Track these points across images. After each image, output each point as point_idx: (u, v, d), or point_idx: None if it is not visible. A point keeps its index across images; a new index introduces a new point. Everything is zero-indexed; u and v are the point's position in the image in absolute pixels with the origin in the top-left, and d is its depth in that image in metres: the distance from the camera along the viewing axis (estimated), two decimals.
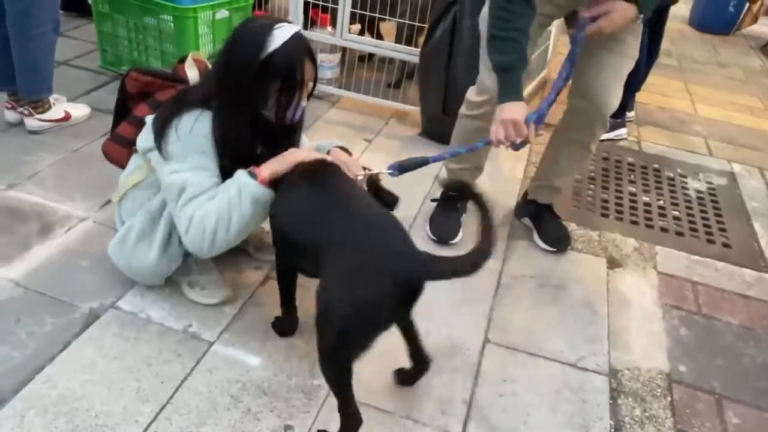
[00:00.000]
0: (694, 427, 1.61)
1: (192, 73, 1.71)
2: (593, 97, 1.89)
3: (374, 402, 1.55)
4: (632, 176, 2.83)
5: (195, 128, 1.51)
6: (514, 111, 1.65)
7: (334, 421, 1.49)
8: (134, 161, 1.72)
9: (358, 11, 2.96)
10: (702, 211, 2.63)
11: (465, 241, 2.18)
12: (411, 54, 2.92)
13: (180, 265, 1.74)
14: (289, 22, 1.52)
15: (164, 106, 1.60)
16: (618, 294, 2.06)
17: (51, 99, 2.51)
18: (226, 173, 1.55)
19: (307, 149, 1.70)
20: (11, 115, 2.53)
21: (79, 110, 2.63)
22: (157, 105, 1.66)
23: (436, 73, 2.75)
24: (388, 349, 1.70)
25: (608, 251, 2.27)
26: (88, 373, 1.53)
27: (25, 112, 2.47)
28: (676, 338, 1.90)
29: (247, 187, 1.49)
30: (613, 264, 2.20)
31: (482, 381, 1.66)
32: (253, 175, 1.51)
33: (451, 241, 2.18)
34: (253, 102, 1.53)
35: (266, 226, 1.80)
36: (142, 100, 1.71)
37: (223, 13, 2.94)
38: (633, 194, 2.69)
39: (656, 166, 2.99)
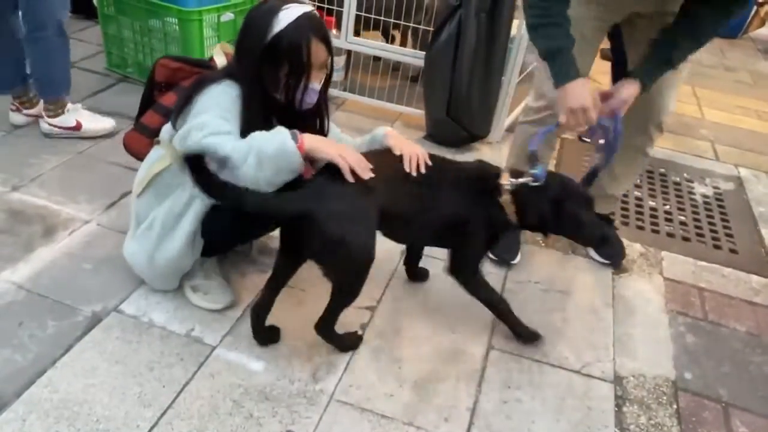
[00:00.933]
0: None
1: (220, 61, 1.69)
2: (650, 101, 1.86)
3: (377, 408, 1.54)
4: (638, 181, 2.81)
5: (221, 91, 1.47)
6: (579, 94, 1.63)
7: (337, 425, 1.48)
8: (155, 152, 1.67)
9: (372, 16, 2.95)
10: (708, 216, 2.61)
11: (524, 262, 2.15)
12: (417, 57, 2.91)
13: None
14: (301, 2, 1.48)
15: (187, 87, 1.56)
16: (623, 300, 2.04)
17: (67, 105, 2.49)
18: None
19: (354, 151, 1.49)
20: (17, 118, 2.53)
21: (99, 123, 2.57)
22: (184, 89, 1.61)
23: (441, 77, 2.74)
24: (391, 356, 1.70)
25: None
26: (90, 377, 1.52)
27: (42, 113, 2.49)
28: (682, 345, 1.88)
29: (285, 150, 1.36)
30: (618, 270, 2.18)
31: (486, 388, 1.65)
32: (295, 138, 1.39)
33: (511, 262, 2.12)
34: (263, 85, 1.50)
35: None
36: (169, 90, 1.69)
37: (228, 16, 2.94)
38: (639, 199, 2.67)
39: (662, 170, 2.97)
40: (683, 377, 1.76)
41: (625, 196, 2.66)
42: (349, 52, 3.19)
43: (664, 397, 1.69)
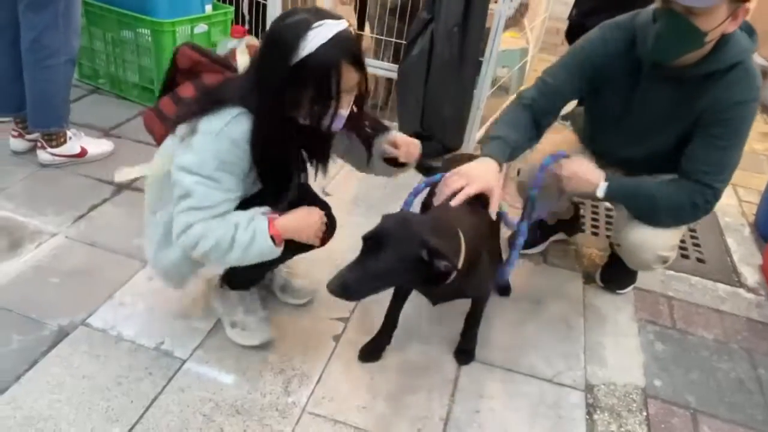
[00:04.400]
0: None
1: (243, 60, 1.60)
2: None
3: (349, 420, 1.53)
4: None
5: (224, 131, 1.32)
6: (484, 168, 1.64)
7: None
8: (170, 141, 1.49)
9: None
10: None
11: None
12: (392, 71, 2.93)
13: (226, 305, 1.71)
14: (335, 16, 1.30)
15: (197, 98, 1.44)
16: (594, 309, 2.07)
17: (68, 133, 2.40)
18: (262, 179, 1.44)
19: (317, 212, 1.49)
20: (18, 144, 2.43)
21: (101, 146, 2.51)
22: (202, 88, 1.49)
23: (414, 90, 2.76)
24: (364, 368, 1.70)
25: (585, 266, 2.28)
26: (55, 392, 1.49)
27: (38, 143, 2.37)
28: (651, 353, 1.91)
29: (259, 238, 1.37)
30: (589, 279, 2.21)
31: (459, 397, 1.65)
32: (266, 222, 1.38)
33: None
34: (287, 109, 1.35)
35: (294, 268, 1.84)
36: (189, 78, 1.55)
37: (201, 28, 2.93)
38: (609, 209, 2.72)
39: None
40: (653, 384, 1.79)
41: (595, 206, 2.71)
42: None
43: (634, 405, 1.71)
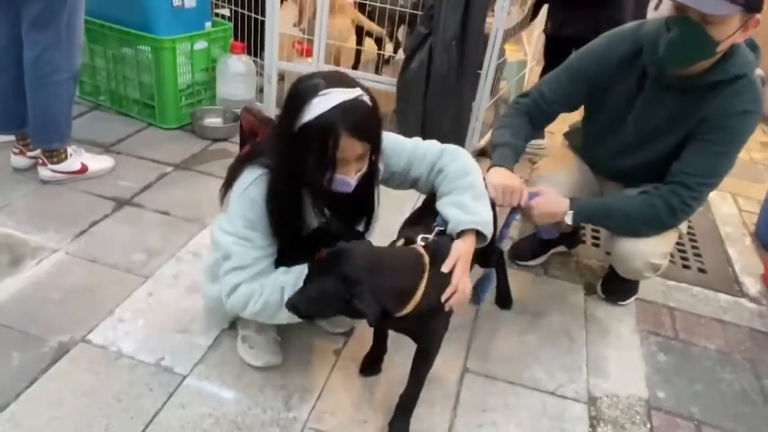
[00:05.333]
0: None
1: None
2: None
3: None
4: None
5: (248, 190, 1.40)
6: (503, 175, 1.78)
7: None
8: None
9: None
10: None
11: None
12: (389, 84, 2.95)
13: (242, 318, 1.67)
14: (349, 84, 1.31)
15: (241, 154, 1.53)
16: (596, 321, 2.06)
17: (69, 150, 2.40)
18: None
19: None
20: (19, 161, 2.43)
21: (101, 162, 2.51)
22: (254, 150, 1.51)
23: (413, 103, 2.79)
24: (365, 382, 1.69)
25: (585, 277, 2.28)
26: (55, 410, 1.48)
27: (39, 160, 2.38)
28: (654, 364, 1.90)
29: None
30: (590, 290, 2.21)
31: (461, 411, 1.64)
32: None
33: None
34: (294, 171, 1.37)
35: None
36: (251, 139, 1.61)
37: (201, 44, 2.95)
38: None
39: None
40: (656, 396, 1.78)
41: None
42: None
43: (638, 417, 1.70)
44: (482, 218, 1.45)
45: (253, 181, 1.41)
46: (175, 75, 2.85)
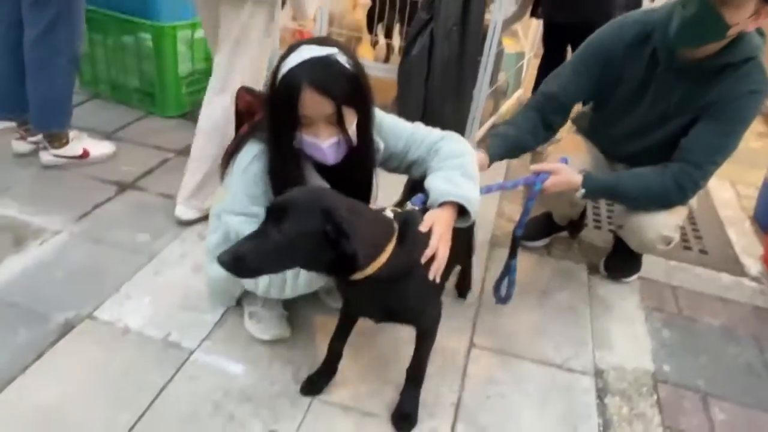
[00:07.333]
0: (681, 423, 1.61)
1: None
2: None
3: (361, 406, 1.52)
4: None
5: (249, 167, 1.41)
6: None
7: (321, 424, 1.46)
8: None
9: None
10: None
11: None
12: (390, 72, 2.96)
13: (248, 294, 1.69)
14: (326, 44, 1.31)
15: (233, 141, 1.52)
16: (599, 298, 2.07)
17: (70, 134, 2.39)
18: None
19: None
20: (21, 146, 2.42)
21: (102, 148, 2.50)
22: (253, 127, 1.51)
23: (415, 90, 2.79)
24: (373, 356, 1.69)
25: (588, 257, 2.29)
26: (62, 383, 1.47)
27: (40, 145, 2.37)
28: (659, 339, 1.91)
29: (307, 272, 1.43)
30: (593, 270, 2.22)
31: (469, 384, 1.64)
32: None
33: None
34: (280, 135, 1.36)
35: None
36: (248, 119, 1.57)
37: (202, 33, 2.94)
38: (610, 204, 2.73)
39: None
40: (662, 369, 1.78)
41: (597, 206, 2.72)
42: None
43: (644, 389, 1.70)
44: (467, 194, 1.40)
45: (253, 158, 1.41)
46: (175, 62, 2.85)
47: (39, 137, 2.37)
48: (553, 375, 1.71)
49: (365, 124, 1.40)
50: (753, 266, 2.39)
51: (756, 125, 4.09)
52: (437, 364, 1.68)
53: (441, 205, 1.39)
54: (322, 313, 1.82)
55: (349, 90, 1.32)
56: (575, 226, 2.39)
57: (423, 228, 1.32)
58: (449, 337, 1.79)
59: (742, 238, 2.60)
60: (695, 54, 1.69)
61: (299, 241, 1.10)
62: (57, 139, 2.35)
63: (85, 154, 2.43)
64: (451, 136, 1.56)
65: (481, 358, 1.74)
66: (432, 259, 1.31)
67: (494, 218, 2.48)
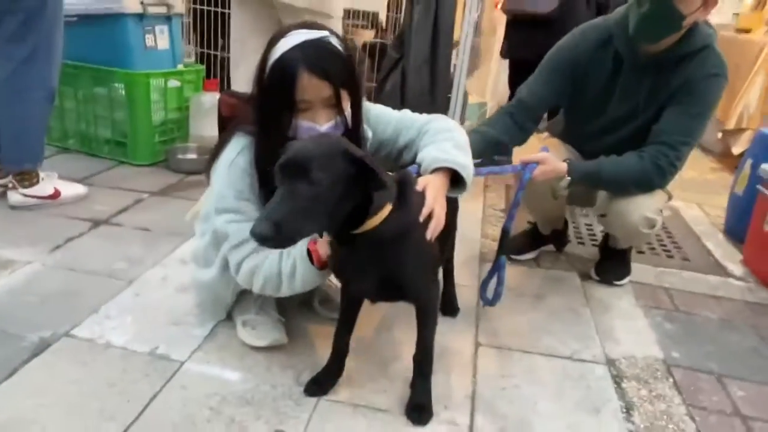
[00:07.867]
0: (702, 401, 1.55)
1: None
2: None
3: (371, 403, 1.41)
4: (584, 210, 2.91)
5: (235, 161, 1.38)
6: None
7: (329, 423, 1.34)
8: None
9: None
10: (656, 235, 2.71)
11: None
12: None
13: (240, 302, 1.61)
14: (316, 28, 1.31)
15: (224, 133, 1.48)
16: (596, 300, 2.04)
17: (41, 174, 2.29)
18: None
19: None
20: None
21: (74, 189, 2.41)
22: (237, 123, 1.48)
23: None
24: (378, 356, 1.60)
25: (578, 267, 2.28)
26: (39, 397, 1.32)
27: (9, 184, 2.26)
28: (662, 331, 1.87)
29: (299, 262, 1.35)
30: (585, 277, 2.20)
31: (481, 378, 1.55)
32: (310, 256, 1.34)
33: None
34: (272, 123, 1.33)
35: (336, 282, 1.59)
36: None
37: (174, 83, 2.97)
38: (589, 225, 2.77)
39: None
40: (671, 356, 1.74)
41: (575, 223, 2.75)
42: None
43: (659, 373, 1.65)
44: (461, 161, 1.38)
45: (240, 151, 1.39)
46: (149, 110, 2.84)
47: (9, 178, 2.27)
48: (564, 366, 1.64)
49: (357, 106, 1.40)
50: (736, 269, 2.42)
51: (707, 162, 4.31)
52: (446, 363, 1.59)
53: (433, 172, 1.37)
54: (317, 323, 1.72)
55: (345, 72, 1.32)
56: (559, 238, 2.39)
57: (419, 187, 1.30)
58: (453, 338, 1.71)
59: (719, 247, 2.65)
60: (655, 48, 1.80)
61: (332, 188, 1.07)
62: (27, 178, 2.26)
63: (56, 194, 2.33)
64: (439, 117, 1.57)
65: (489, 355, 1.66)
66: (429, 218, 1.28)
67: (479, 238, 2.47)
